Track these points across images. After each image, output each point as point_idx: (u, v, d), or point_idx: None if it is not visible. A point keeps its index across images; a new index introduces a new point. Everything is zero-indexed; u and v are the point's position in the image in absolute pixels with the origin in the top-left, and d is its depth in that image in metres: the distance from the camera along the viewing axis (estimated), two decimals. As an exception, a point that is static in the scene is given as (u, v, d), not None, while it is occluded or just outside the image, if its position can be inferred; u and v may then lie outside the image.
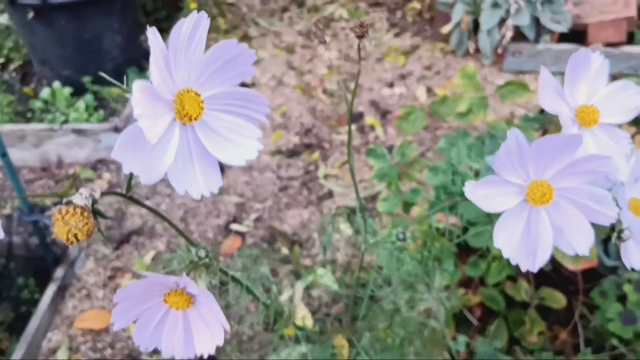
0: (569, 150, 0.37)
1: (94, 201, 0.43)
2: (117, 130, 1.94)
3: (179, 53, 0.38)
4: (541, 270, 1.31)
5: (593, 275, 1.31)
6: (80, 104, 2.01)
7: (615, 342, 1.16)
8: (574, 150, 0.37)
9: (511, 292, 1.28)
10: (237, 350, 1.51)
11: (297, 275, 1.68)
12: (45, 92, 2.05)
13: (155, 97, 0.38)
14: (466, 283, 1.36)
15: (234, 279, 0.61)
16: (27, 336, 1.41)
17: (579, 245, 0.40)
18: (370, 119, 2.15)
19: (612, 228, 0.54)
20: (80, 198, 0.42)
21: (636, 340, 1.14)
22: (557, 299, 1.27)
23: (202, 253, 0.52)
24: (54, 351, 1.46)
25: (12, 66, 2.28)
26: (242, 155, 0.41)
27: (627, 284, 1.21)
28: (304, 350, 1.43)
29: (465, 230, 1.28)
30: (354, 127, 2.13)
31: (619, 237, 0.53)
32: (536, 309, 1.27)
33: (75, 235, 0.39)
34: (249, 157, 0.42)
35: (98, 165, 2.01)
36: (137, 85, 0.37)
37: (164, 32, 2.18)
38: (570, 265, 1.15)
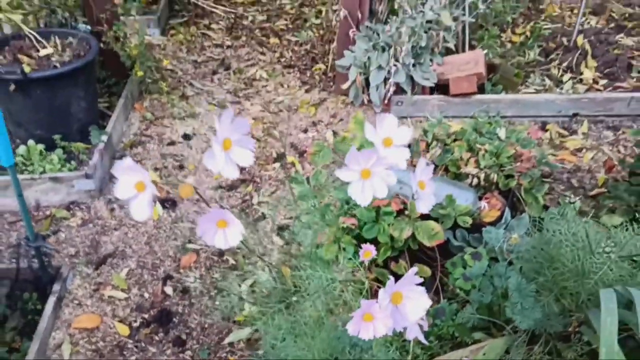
0: (373, 155, 0.94)
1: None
2: (87, 176, 2.40)
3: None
4: (414, 253, 1.91)
5: (447, 255, 1.92)
6: (54, 157, 2.46)
7: (461, 293, 1.77)
8: (374, 155, 0.94)
9: (395, 269, 1.87)
10: (202, 335, 2.00)
11: (242, 278, 2.20)
12: (21, 149, 2.48)
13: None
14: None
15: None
16: (37, 335, 1.84)
17: (382, 193, 0.97)
18: (290, 157, 2.73)
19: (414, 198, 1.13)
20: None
21: (472, 290, 1.74)
22: (425, 271, 1.87)
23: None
24: (59, 345, 1.89)
25: (-15, 129, 2.69)
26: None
27: (467, 255, 1.83)
28: (250, 330, 1.98)
29: (360, 227, 1.87)
30: (277, 165, 2.70)
31: (413, 197, 1.12)
32: (412, 279, 1.86)
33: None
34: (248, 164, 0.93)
35: (71, 206, 2.44)
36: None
37: (114, 95, 2.73)
38: (426, 242, 1.76)
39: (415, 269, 0.88)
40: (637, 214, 1.95)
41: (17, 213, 2.42)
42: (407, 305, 0.87)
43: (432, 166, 1.15)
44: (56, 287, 2.00)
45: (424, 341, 0.95)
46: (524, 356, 1.43)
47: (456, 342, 1.65)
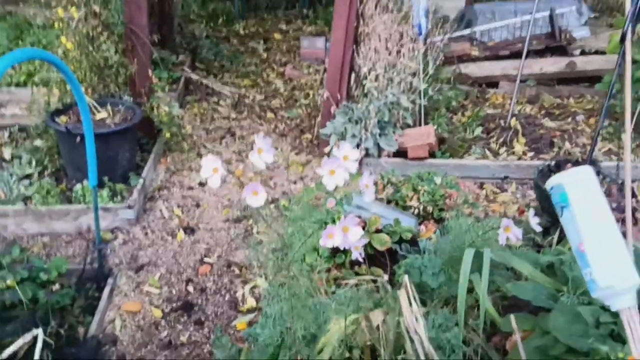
0: (336, 161, 1.74)
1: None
2: (130, 207, 3.17)
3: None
4: (371, 257, 2.70)
5: (396, 260, 2.68)
6: (103, 193, 3.23)
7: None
8: (337, 161, 1.74)
9: (357, 270, 2.61)
10: (216, 319, 2.69)
11: (245, 282, 2.92)
12: (78, 187, 3.25)
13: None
14: (336, 267, 2.68)
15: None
16: (98, 313, 2.54)
17: (341, 183, 1.75)
18: (283, 201, 3.52)
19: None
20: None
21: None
22: (379, 273, 2.61)
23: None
24: (112, 321, 2.59)
25: (46, 172, 3.48)
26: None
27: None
28: (252, 316, 2.68)
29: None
30: (272, 205, 3.48)
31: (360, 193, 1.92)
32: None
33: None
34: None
35: (114, 230, 3.19)
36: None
37: (145, 151, 3.59)
38: (379, 247, 2.52)
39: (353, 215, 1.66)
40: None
41: (72, 234, 3.15)
42: (350, 233, 1.64)
43: (374, 175, 1.95)
44: (110, 281, 2.72)
45: (360, 259, 1.71)
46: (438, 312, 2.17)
47: (397, 312, 2.38)
